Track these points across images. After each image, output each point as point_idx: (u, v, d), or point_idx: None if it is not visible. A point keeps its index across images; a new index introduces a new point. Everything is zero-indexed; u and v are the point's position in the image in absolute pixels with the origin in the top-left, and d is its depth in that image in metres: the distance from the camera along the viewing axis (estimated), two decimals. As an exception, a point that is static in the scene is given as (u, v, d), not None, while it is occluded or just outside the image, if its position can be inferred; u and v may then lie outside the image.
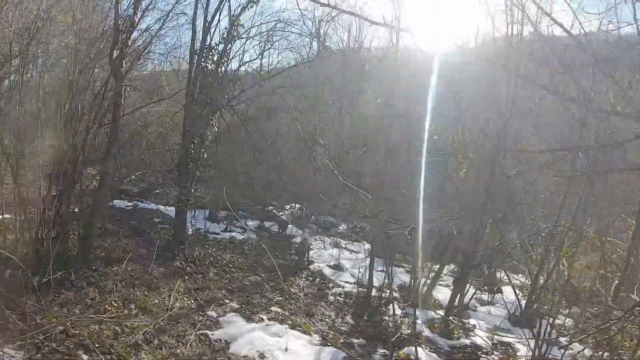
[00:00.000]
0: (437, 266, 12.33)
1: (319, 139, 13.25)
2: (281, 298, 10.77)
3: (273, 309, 10.05)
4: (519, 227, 12.26)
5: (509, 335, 10.40)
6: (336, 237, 18.34)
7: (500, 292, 13.30)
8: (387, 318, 10.67)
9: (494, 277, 13.72)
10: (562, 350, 7.93)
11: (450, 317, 10.78)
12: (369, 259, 14.52)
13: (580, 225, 10.60)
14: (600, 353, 7.74)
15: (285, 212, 20.65)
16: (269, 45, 16.55)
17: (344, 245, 17.48)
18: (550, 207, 12.56)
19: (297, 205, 22.05)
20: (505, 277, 13.46)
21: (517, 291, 13.71)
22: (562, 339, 8.54)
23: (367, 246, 16.99)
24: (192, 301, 9.79)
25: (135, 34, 11.58)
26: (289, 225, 18.22)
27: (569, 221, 10.81)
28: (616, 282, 9.65)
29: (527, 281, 13.02)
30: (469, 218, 10.46)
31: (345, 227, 20.76)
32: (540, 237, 11.54)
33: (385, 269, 12.56)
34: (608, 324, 6.84)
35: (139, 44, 12.79)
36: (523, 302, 11.76)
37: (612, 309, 8.19)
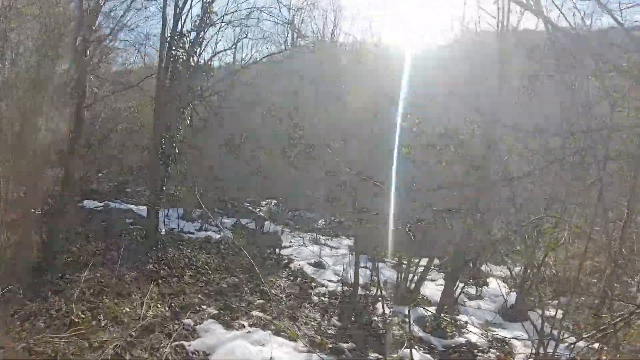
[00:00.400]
0: (419, 260, 11.89)
1: (298, 128, 12.73)
2: (262, 301, 10.13)
3: (254, 313, 9.41)
4: (507, 218, 11.95)
5: (504, 331, 10.20)
6: (315, 233, 17.73)
7: (486, 284, 13.15)
8: (376, 318, 10.16)
9: (479, 270, 13.31)
10: (570, 346, 7.60)
11: (442, 315, 10.30)
12: (350, 255, 14.12)
13: (570, 215, 10.30)
14: (601, 347, 7.37)
15: (262, 208, 20.06)
16: (244, 35, 15.82)
17: (323, 241, 16.90)
18: (538, 198, 12.27)
19: (273, 201, 21.47)
20: (491, 270, 13.22)
21: (504, 284, 13.55)
22: (568, 337, 8.09)
23: (347, 241, 16.90)
24: (167, 308, 9.08)
25: (100, 19, 10.94)
26: (266, 222, 17.61)
27: (558, 211, 10.51)
28: (608, 272, 9.30)
29: (519, 272, 12.72)
30: (461, 211, 10.06)
31: (323, 222, 20.19)
32: (530, 228, 11.24)
33: (367, 265, 12.23)
34: (618, 320, 6.57)
35: (106, 33, 12.15)
36: (510, 294, 11.59)
37: (616, 302, 7.90)
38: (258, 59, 16.75)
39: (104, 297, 8.85)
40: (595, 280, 11.40)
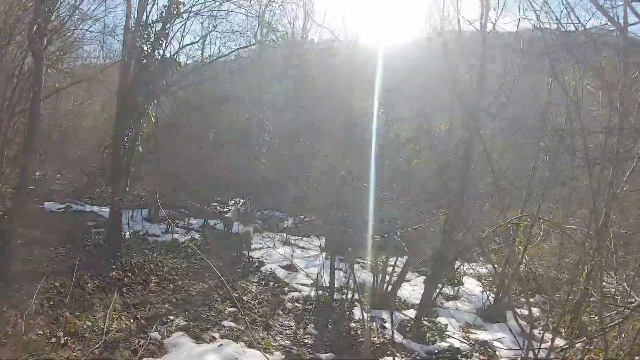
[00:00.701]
0: (395, 261, 11.64)
1: (268, 125, 12.27)
2: (233, 309, 9.57)
3: (225, 323, 8.85)
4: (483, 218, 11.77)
5: (484, 332, 10.07)
6: (285, 234, 17.21)
7: (462, 284, 13.05)
8: (353, 324, 9.74)
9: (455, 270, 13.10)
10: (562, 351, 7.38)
11: (423, 319, 9.98)
12: (322, 257, 13.72)
13: (545, 213, 10.52)
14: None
15: (230, 207, 19.46)
16: (212, 28, 15.14)
17: (293, 242, 16.42)
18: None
19: (241, 200, 20.89)
20: (466, 269, 13.12)
21: (478, 282, 13.71)
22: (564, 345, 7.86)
23: (317, 241, 16.55)
24: (132, 320, 8.44)
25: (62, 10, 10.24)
26: (235, 223, 17.02)
27: (535, 209, 10.47)
28: (587, 270, 9.15)
29: (498, 269, 12.67)
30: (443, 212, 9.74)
31: (292, 222, 19.70)
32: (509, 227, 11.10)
33: (340, 266, 11.89)
34: (613, 324, 6.42)
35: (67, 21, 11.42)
36: (487, 294, 11.78)
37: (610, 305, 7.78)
38: (227, 52, 16.05)
39: (64, 309, 8.13)
40: (563, 277, 11.41)
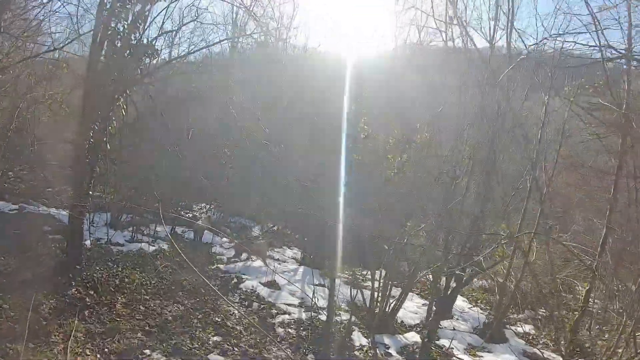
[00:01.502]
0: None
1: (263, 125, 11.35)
2: (218, 338, 8.19)
3: (212, 357, 7.43)
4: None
5: (490, 355, 9.80)
6: (257, 242, 16.01)
7: None
8: (357, 353, 8.67)
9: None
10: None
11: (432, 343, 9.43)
12: (302, 270, 12.94)
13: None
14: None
15: (195, 213, 18.11)
16: (194, 17, 13.86)
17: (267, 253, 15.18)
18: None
19: (207, 205, 19.52)
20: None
21: (464, 298, 13.53)
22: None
23: (290, 252, 16.20)
24: (98, 355, 6.86)
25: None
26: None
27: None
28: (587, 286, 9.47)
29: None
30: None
31: (260, 230, 18.53)
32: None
33: (324, 283, 11.27)
34: None
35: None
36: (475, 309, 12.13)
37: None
38: (209, 44, 14.92)
39: (15, 340, 6.54)
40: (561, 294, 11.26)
